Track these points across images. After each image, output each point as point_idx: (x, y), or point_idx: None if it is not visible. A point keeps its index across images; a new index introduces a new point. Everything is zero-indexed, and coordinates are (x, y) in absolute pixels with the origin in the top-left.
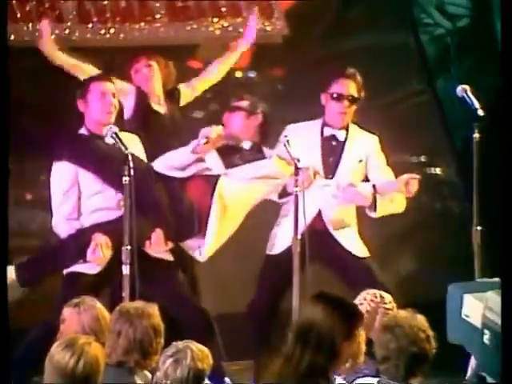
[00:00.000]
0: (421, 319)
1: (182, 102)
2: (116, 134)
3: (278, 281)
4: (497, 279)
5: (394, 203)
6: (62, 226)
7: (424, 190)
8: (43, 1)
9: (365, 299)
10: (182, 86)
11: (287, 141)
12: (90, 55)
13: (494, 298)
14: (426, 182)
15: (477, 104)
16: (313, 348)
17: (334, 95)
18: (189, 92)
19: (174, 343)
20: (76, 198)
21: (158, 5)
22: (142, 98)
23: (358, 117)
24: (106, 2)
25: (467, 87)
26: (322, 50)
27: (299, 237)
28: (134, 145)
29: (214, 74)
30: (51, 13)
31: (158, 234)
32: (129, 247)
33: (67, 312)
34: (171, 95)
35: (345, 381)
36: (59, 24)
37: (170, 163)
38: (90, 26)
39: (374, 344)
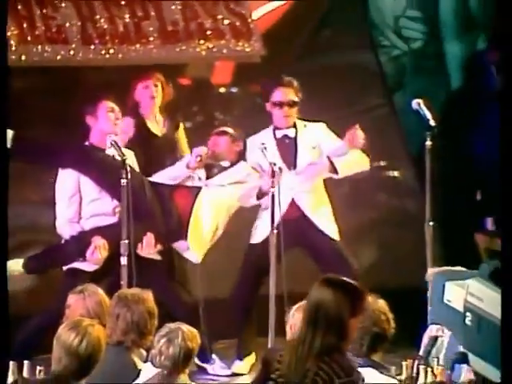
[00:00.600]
0: (382, 303)
1: (180, 134)
2: (115, 141)
3: (259, 266)
4: (475, 271)
5: (355, 162)
6: (65, 227)
7: (384, 189)
8: (50, 26)
9: None
10: (181, 125)
11: (265, 147)
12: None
13: (474, 285)
14: (386, 183)
15: (429, 115)
16: (323, 328)
17: (276, 102)
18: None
19: (167, 324)
20: (78, 203)
21: (151, 29)
22: (140, 123)
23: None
24: (106, 27)
25: (420, 101)
26: (295, 68)
27: (275, 231)
28: (129, 159)
29: None
30: (58, 36)
31: (149, 238)
32: (126, 241)
33: (72, 298)
34: (172, 122)
35: None
36: (65, 46)
37: (166, 176)
38: (92, 47)
39: None
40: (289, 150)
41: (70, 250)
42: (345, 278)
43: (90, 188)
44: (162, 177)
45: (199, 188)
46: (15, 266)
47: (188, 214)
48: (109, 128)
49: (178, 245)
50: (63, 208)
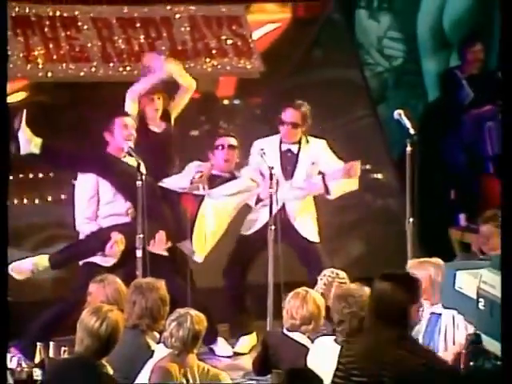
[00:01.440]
0: (367, 290)
1: (173, 116)
2: (132, 148)
3: (248, 255)
4: (482, 262)
5: (346, 184)
6: (84, 225)
7: (369, 190)
8: (74, 46)
9: (324, 275)
10: (170, 107)
11: (264, 153)
12: (112, 87)
13: (487, 274)
14: (371, 185)
15: (409, 124)
16: (389, 319)
17: (282, 120)
18: (175, 108)
19: (177, 310)
20: (96, 204)
21: (163, 48)
22: (142, 124)
23: (318, 136)
24: (123, 46)
25: (401, 111)
26: (290, 83)
27: (273, 227)
28: (140, 166)
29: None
30: (81, 55)
31: (161, 235)
32: (142, 235)
33: (93, 287)
34: (165, 116)
35: (308, 339)
36: (87, 63)
37: (174, 185)
38: (111, 65)
39: (331, 310)
40: (290, 163)
41: (89, 245)
42: (400, 271)
43: (107, 191)
44: (170, 185)
45: (203, 196)
46: (41, 261)
47: (193, 218)
48: (124, 143)
49: (183, 245)
50: (83, 208)
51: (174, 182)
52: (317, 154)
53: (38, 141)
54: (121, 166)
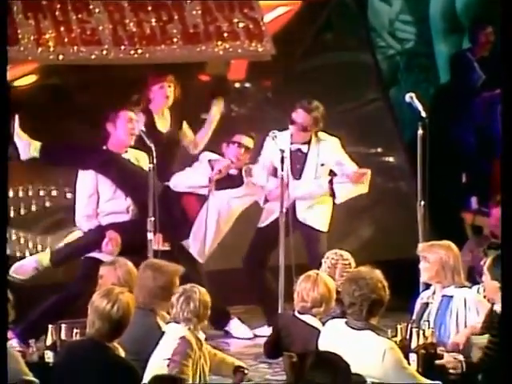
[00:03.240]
0: (378, 273)
1: (183, 139)
2: (143, 131)
3: (265, 245)
4: None
5: (355, 188)
6: (84, 222)
7: (380, 173)
8: (85, 29)
9: (327, 257)
10: (186, 127)
11: (275, 136)
12: (124, 70)
13: None
14: (382, 168)
15: (420, 107)
16: None
17: (292, 121)
18: (189, 137)
19: (182, 286)
20: (95, 202)
21: (175, 31)
22: (149, 120)
23: (330, 119)
24: (134, 29)
25: (413, 94)
26: (302, 66)
27: (284, 210)
28: (142, 162)
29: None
30: (92, 38)
31: (158, 237)
32: (153, 218)
33: (105, 270)
34: (176, 120)
35: (319, 321)
36: (98, 46)
37: (184, 185)
38: (122, 48)
39: (341, 293)
40: (299, 162)
41: (86, 242)
42: None
43: (106, 189)
44: (179, 184)
45: (205, 197)
46: (43, 257)
47: (194, 217)
48: (125, 138)
49: (189, 242)
50: (82, 206)
51: (184, 183)
52: (328, 155)
53: (37, 144)
54: (121, 162)
